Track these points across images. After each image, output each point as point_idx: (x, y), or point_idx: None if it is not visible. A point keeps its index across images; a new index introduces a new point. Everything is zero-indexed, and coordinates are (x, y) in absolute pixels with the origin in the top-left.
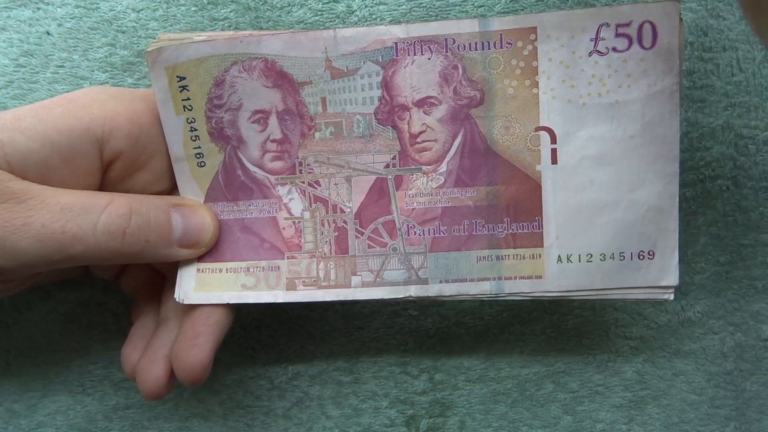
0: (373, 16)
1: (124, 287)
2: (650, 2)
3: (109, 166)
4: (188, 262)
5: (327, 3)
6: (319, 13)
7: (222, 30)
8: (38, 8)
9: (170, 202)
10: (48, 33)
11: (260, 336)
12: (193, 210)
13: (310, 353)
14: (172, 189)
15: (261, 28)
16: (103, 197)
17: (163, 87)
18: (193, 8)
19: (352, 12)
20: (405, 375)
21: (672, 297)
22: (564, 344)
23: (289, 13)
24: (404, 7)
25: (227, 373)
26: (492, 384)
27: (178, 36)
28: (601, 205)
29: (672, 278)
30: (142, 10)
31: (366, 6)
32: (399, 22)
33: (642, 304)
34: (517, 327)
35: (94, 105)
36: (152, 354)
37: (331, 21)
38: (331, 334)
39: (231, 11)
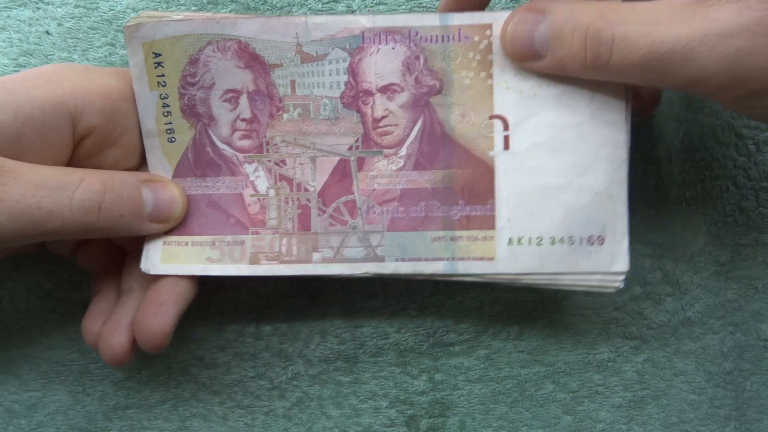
0: None
1: (81, 263)
2: None
3: (81, 142)
4: (155, 234)
5: (327, 3)
6: (318, 13)
7: None
8: (38, 8)
9: (141, 178)
10: (48, 33)
11: (260, 336)
12: (163, 186)
13: (310, 353)
14: (141, 165)
15: None
16: (76, 174)
17: (139, 62)
18: (193, 8)
19: (352, 12)
20: (405, 375)
21: (622, 285)
22: (564, 344)
23: (288, 13)
24: (404, 7)
25: (227, 373)
26: (492, 384)
27: (157, 14)
28: (550, 189)
29: (622, 264)
30: (141, 9)
31: (366, 6)
32: (366, 13)
33: (641, 303)
34: (517, 327)
35: (66, 80)
36: (115, 322)
37: None
38: (331, 333)
39: (231, 11)
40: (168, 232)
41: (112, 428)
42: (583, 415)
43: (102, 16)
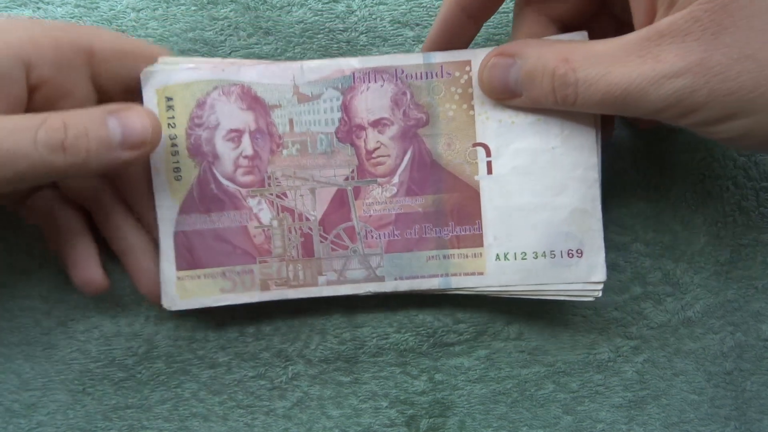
0: (373, 16)
1: (27, 218)
2: (563, 37)
3: (33, 93)
4: (167, 271)
5: (327, 3)
6: (319, 13)
7: (222, 29)
8: (38, 8)
9: (105, 109)
10: None
11: (260, 336)
12: (129, 111)
13: (310, 353)
14: None
15: (261, 28)
16: (36, 116)
17: (153, 105)
18: (193, 8)
19: (352, 12)
20: (405, 375)
21: (600, 294)
22: (564, 344)
23: (288, 13)
24: (404, 7)
25: (227, 373)
26: (492, 384)
27: (172, 60)
28: (530, 208)
29: (599, 274)
30: (142, 9)
31: (366, 6)
32: (356, 55)
33: (641, 303)
34: (517, 327)
35: (19, 31)
36: (152, 275)
37: (331, 21)
38: (331, 333)
39: (231, 11)
40: (179, 267)
41: (112, 428)
42: (583, 415)
43: (102, 15)
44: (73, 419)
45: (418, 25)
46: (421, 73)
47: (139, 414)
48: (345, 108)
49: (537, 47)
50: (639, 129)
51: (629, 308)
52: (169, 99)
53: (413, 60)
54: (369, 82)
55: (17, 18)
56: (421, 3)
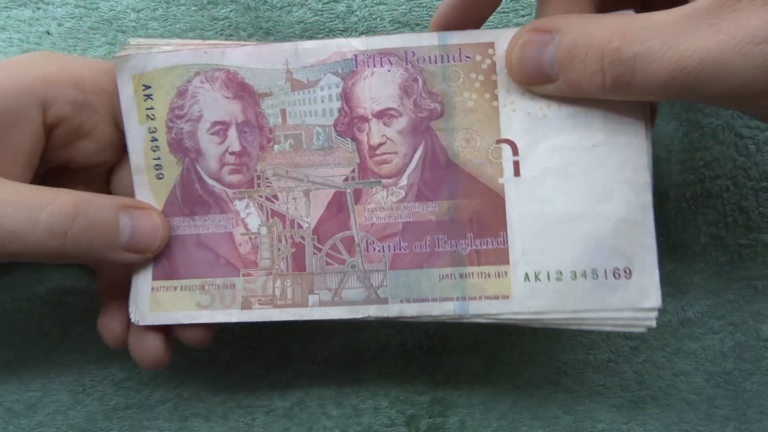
0: (373, 16)
1: (100, 281)
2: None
3: (52, 132)
4: (142, 280)
5: (327, 3)
6: (319, 13)
7: (222, 29)
8: (38, 8)
9: (121, 203)
10: (48, 33)
11: (260, 336)
12: (144, 213)
13: (310, 353)
14: (119, 161)
15: (261, 28)
16: (47, 194)
17: (129, 95)
18: (193, 8)
19: (352, 12)
20: (405, 375)
21: (654, 324)
22: (564, 344)
23: (289, 13)
24: (404, 7)
25: (227, 373)
26: (492, 384)
27: (147, 42)
28: (568, 218)
29: (653, 299)
30: (142, 10)
31: (366, 6)
32: (359, 35)
33: None
34: (517, 327)
35: (37, 67)
36: (140, 329)
37: (331, 21)
38: (331, 334)
39: (231, 11)
40: (155, 276)
41: (113, 428)
42: (583, 415)
43: (102, 16)
44: (73, 419)
45: (418, 25)
46: (435, 57)
47: (140, 414)
48: (345, 96)
49: (581, 21)
50: None
51: None
52: (146, 87)
53: (426, 41)
54: (374, 66)
55: (44, 54)
56: (421, 3)
